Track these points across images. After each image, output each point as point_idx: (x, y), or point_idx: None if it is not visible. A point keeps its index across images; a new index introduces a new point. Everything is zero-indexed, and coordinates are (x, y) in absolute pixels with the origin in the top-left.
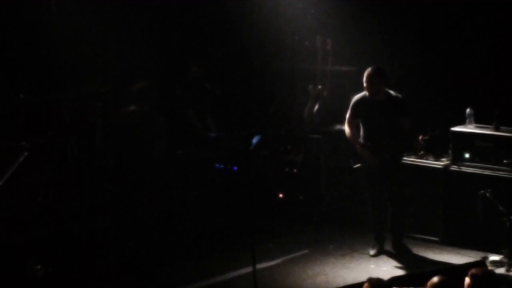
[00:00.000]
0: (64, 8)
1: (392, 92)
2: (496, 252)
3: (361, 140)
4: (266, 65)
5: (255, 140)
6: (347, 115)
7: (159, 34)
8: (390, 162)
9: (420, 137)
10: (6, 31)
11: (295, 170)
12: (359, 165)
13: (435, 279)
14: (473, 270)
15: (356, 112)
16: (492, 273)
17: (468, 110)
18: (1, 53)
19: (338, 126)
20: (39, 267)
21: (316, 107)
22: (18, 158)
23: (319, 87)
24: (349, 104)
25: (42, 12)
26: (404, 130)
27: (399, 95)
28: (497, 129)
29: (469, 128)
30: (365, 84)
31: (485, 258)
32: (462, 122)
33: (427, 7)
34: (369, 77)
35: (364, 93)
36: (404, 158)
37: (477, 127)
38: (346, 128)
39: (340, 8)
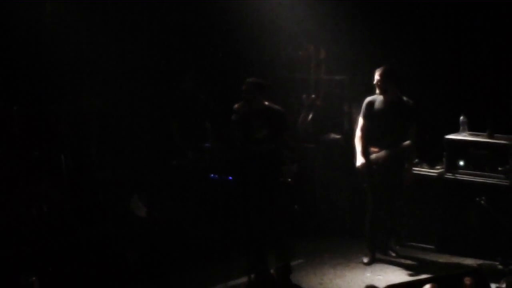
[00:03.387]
0: (60, 20)
1: (404, 97)
2: (491, 259)
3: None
4: (260, 75)
5: None
6: (360, 118)
7: (155, 45)
8: (393, 168)
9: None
10: (1, 41)
11: (289, 180)
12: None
13: (427, 286)
14: (468, 278)
15: (367, 112)
16: (487, 280)
17: (461, 117)
18: None
19: (332, 135)
20: (33, 279)
21: (310, 116)
22: None
23: (313, 96)
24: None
25: (39, 22)
26: (410, 136)
27: (410, 101)
28: (491, 137)
29: (463, 136)
30: (374, 82)
31: (480, 265)
32: (455, 130)
33: (421, 17)
34: (379, 75)
35: (376, 94)
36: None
37: (471, 134)
38: (358, 133)
39: (333, 17)
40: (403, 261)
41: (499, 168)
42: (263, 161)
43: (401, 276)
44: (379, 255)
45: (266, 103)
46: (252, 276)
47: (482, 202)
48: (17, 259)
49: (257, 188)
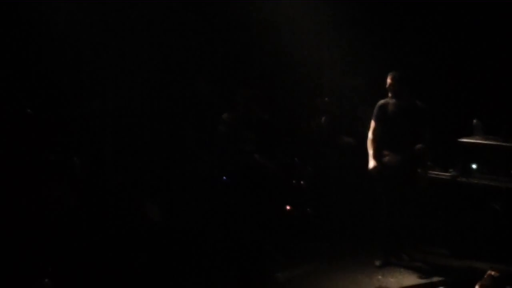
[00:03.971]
0: (75, 23)
1: (417, 100)
2: (505, 263)
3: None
4: (274, 79)
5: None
6: (372, 121)
7: (169, 48)
8: (406, 171)
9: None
10: (16, 44)
11: (302, 183)
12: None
13: None
14: (482, 281)
15: (380, 115)
16: (499, 279)
17: (474, 121)
18: (11, 68)
19: (345, 139)
20: (46, 281)
21: (324, 119)
22: None
23: (326, 99)
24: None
25: (54, 25)
26: (424, 141)
27: (423, 104)
28: (504, 140)
29: (476, 139)
30: (387, 85)
31: (493, 269)
32: (469, 133)
33: (435, 21)
34: (392, 78)
35: (388, 97)
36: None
37: (484, 138)
38: (370, 135)
39: (348, 20)
40: (415, 264)
41: None
42: (253, 177)
43: (413, 279)
44: (391, 258)
45: (260, 114)
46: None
47: (496, 206)
48: (30, 262)
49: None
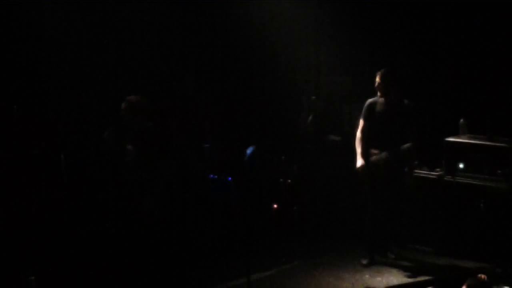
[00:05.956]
0: (61, 20)
1: (405, 99)
2: (491, 262)
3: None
4: (260, 77)
5: (249, 151)
6: (360, 119)
7: (155, 46)
8: (393, 170)
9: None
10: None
11: (289, 181)
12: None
13: None
14: (468, 281)
15: (368, 114)
16: (487, 283)
17: (461, 120)
18: None
19: (332, 137)
20: (32, 278)
21: (310, 117)
22: None
23: (313, 97)
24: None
25: (39, 22)
26: (410, 138)
27: (411, 103)
28: (491, 140)
29: (463, 139)
30: (376, 84)
31: (479, 268)
32: (455, 133)
33: (422, 19)
34: (380, 76)
35: (377, 96)
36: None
37: (471, 137)
38: (358, 134)
39: (334, 18)
40: (402, 263)
41: (499, 171)
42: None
43: (400, 278)
44: (378, 257)
45: (143, 122)
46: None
47: (482, 205)
48: (16, 259)
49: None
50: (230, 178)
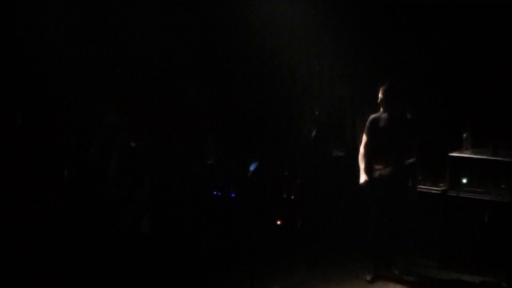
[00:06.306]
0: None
1: (408, 114)
2: (495, 276)
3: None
4: (262, 90)
5: (252, 167)
6: (364, 135)
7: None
8: (397, 184)
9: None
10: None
11: (292, 196)
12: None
13: None
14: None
15: (371, 129)
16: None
17: (465, 135)
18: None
19: (335, 151)
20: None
21: (314, 132)
22: None
23: (316, 112)
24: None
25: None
26: (414, 153)
27: (414, 118)
28: (494, 154)
29: (466, 153)
30: (378, 100)
31: (484, 282)
32: (459, 147)
33: (426, 34)
34: (383, 92)
35: (380, 111)
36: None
37: (474, 152)
38: (362, 150)
39: (338, 31)
40: (405, 277)
41: (502, 186)
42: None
43: None
44: (382, 271)
45: (127, 142)
46: None
47: (485, 219)
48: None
49: None
50: (233, 195)
